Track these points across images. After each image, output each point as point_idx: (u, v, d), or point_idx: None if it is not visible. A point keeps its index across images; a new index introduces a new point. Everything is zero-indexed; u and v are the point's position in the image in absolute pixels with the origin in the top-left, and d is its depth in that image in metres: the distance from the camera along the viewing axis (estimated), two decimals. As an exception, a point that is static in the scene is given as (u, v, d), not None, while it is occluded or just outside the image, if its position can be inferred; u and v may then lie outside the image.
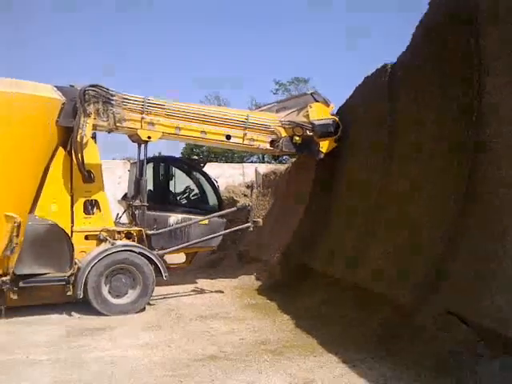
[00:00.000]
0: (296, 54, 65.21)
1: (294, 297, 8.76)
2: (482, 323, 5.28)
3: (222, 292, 9.70)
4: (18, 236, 7.62)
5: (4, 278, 7.52)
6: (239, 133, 9.43)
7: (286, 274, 9.72)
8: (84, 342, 6.50)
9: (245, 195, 14.51)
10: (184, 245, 9.38)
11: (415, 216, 7.03)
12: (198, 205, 10.67)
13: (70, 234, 8.12)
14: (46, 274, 7.79)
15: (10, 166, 7.78)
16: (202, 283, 10.43)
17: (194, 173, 10.97)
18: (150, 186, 10.51)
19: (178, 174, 10.78)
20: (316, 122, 9.61)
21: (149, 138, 8.80)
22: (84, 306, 8.08)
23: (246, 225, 9.48)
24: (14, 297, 7.59)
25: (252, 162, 40.64)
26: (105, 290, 8.11)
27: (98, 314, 7.92)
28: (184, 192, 10.91)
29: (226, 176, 13.17)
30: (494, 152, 5.99)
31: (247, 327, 7.25)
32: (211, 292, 9.76)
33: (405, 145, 7.81)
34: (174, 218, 9.97)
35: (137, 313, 8.11)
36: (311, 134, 9.61)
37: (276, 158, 11.17)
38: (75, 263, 8.01)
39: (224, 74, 69.22)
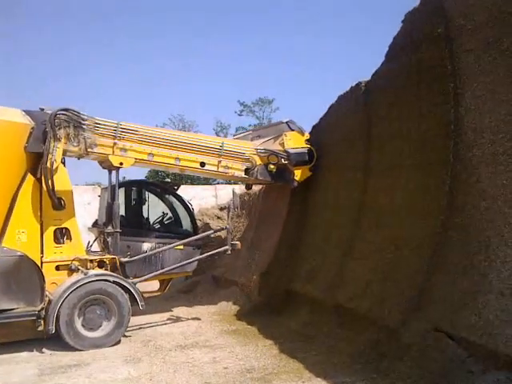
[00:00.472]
0: (260, 74, 66.09)
1: (274, 320, 8.61)
2: (471, 339, 5.22)
3: (200, 319, 9.40)
4: (-16, 269, 7.28)
5: (-30, 315, 7.11)
6: (214, 160, 9.28)
7: (265, 296, 9.53)
8: (59, 381, 6.12)
9: (218, 217, 14.34)
10: (160, 271, 9.11)
11: (397, 233, 7.01)
12: (172, 229, 10.45)
13: (40, 265, 7.75)
14: (15, 309, 7.40)
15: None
16: (178, 310, 10.10)
17: (168, 196, 10.76)
18: (121, 212, 10.24)
19: (151, 197, 10.56)
20: (291, 151, 9.58)
21: (121, 164, 8.53)
22: (55, 342, 7.67)
23: (224, 248, 9.26)
24: (-18, 334, 7.18)
25: (221, 182, 40.64)
26: (78, 323, 7.71)
27: (71, 349, 7.51)
28: (158, 216, 10.67)
29: (199, 198, 12.99)
30: (473, 164, 6.03)
31: (230, 355, 7.00)
32: (188, 319, 9.44)
33: (383, 160, 7.84)
34: (148, 244, 9.73)
35: (112, 346, 7.75)
36: (286, 162, 9.56)
37: (249, 187, 11.07)
38: (46, 296, 7.63)
39: (188, 96, 69.30)
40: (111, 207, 8.90)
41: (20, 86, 56.89)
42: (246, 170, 9.54)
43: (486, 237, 5.57)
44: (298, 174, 9.70)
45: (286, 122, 9.91)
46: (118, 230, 8.70)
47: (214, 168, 9.30)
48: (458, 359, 5.22)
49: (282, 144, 9.64)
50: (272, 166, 9.55)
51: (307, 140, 9.80)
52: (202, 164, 9.17)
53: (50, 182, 7.84)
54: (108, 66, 70.61)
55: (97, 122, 8.29)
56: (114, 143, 8.41)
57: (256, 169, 9.53)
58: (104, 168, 9.37)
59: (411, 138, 7.25)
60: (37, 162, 8.10)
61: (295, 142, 9.71)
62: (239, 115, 44.51)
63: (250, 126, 43.71)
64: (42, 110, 8.15)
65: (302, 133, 9.84)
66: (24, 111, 8.06)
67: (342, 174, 9.01)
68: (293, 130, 9.81)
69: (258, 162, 9.57)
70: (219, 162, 9.29)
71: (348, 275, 7.71)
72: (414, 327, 5.92)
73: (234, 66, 70.57)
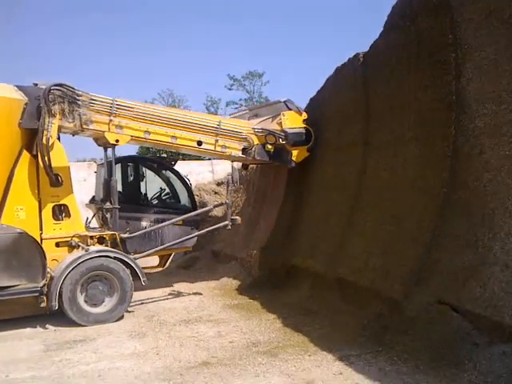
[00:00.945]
0: (250, 48, 65.23)
1: (276, 294, 8.66)
2: (475, 311, 5.28)
3: (201, 294, 9.44)
4: (-16, 247, 7.22)
5: (-29, 293, 7.08)
6: (211, 139, 9.15)
7: (266, 271, 9.58)
8: (66, 356, 6.15)
9: (215, 193, 14.33)
10: (161, 247, 9.09)
11: (398, 206, 7.00)
12: (170, 205, 10.41)
13: (40, 242, 7.71)
14: (16, 285, 7.36)
15: (-29, 173, 7.33)
16: (179, 286, 10.13)
17: (165, 172, 10.67)
18: (119, 188, 10.18)
19: (148, 173, 10.47)
20: (289, 131, 9.47)
21: (117, 141, 8.39)
22: (58, 318, 7.67)
23: (224, 223, 9.24)
24: (-16, 312, 7.17)
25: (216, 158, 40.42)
26: (81, 299, 7.71)
27: (74, 324, 7.53)
28: (155, 192, 10.60)
29: (196, 173, 12.94)
30: (475, 136, 6.01)
31: (234, 329, 7.05)
32: (190, 294, 9.48)
33: (382, 134, 7.79)
34: (147, 220, 9.69)
35: (116, 321, 7.78)
36: (284, 142, 9.46)
37: (246, 167, 10.96)
38: (48, 272, 7.60)
39: (177, 71, 68.36)
40: (108, 183, 8.82)
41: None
42: (244, 150, 9.43)
43: (490, 209, 5.58)
44: (295, 155, 9.62)
45: (284, 102, 9.76)
46: (117, 206, 8.64)
47: (211, 147, 9.18)
48: (463, 332, 5.28)
49: (280, 124, 9.52)
50: (270, 146, 9.46)
51: (305, 120, 9.67)
52: (199, 143, 9.06)
53: (46, 158, 7.74)
54: (91, 37, 69.18)
55: (92, 97, 8.13)
56: (110, 120, 8.26)
57: (253, 148, 9.42)
58: (99, 145, 9.26)
59: (411, 110, 7.17)
60: (32, 139, 7.98)
61: (293, 122, 9.59)
62: (229, 89, 44.04)
63: (240, 100, 43.48)
64: (36, 85, 7.98)
65: (299, 112, 9.70)
66: (17, 86, 7.89)
67: (340, 148, 8.95)
68: (290, 110, 9.68)
69: (256, 141, 9.45)
70: (216, 141, 9.17)
71: (349, 249, 7.74)
72: (417, 300, 5.98)
73: (224, 37, 69.43)
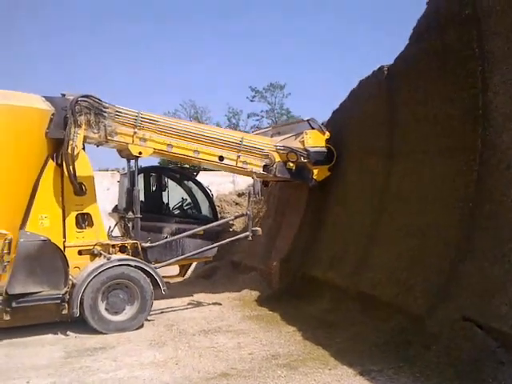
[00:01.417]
0: (271, 60, 65.54)
1: (296, 306, 8.59)
2: (502, 329, 5.15)
3: (221, 304, 9.42)
4: (9, 253, 7.39)
5: (-4, 298, 7.18)
6: (233, 155, 9.19)
7: (286, 282, 9.53)
8: (86, 363, 6.20)
9: (236, 204, 14.33)
10: (182, 256, 9.13)
11: (423, 219, 6.91)
12: (192, 215, 10.45)
13: (63, 250, 7.80)
14: (39, 292, 7.46)
15: (-1, 180, 7.47)
16: (199, 295, 10.14)
17: (187, 182, 10.73)
18: (141, 197, 10.26)
19: (171, 184, 10.53)
20: (311, 149, 9.48)
21: (140, 153, 8.49)
22: (79, 324, 7.75)
23: (245, 234, 9.23)
24: (7, 317, 7.23)
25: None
26: (102, 306, 7.79)
27: (95, 332, 7.60)
28: (177, 202, 10.66)
29: (217, 184, 12.99)
30: (502, 150, 5.91)
31: (254, 341, 7.01)
32: (209, 304, 9.48)
33: (407, 145, 7.72)
34: (169, 229, 9.73)
35: (136, 329, 7.81)
36: (305, 160, 9.46)
37: (266, 184, 10.95)
38: (70, 280, 7.69)
39: (199, 81, 68.99)
40: (131, 193, 8.90)
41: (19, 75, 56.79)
42: (265, 167, 9.44)
43: (518, 224, 5.47)
44: (316, 173, 9.63)
45: (307, 120, 9.78)
46: (139, 215, 8.70)
47: (233, 163, 9.22)
48: (488, 349, 5.15)
49: (302, 142, 9.53)
50: (291, 164, 9.46)
51: (327, 139, 9.66)
52: (221, 158, 9.09)
53: (71, 167, 7.87)
54: (117, 53, 70.24)
55: (118, 110, 8.26)
56: (134, 132, 8.37)
57: (275, 166, 9.43)
58: (122, 157, 9.39)
59: (437, 122, 7.11)
60: (58, 148, 8.13)
61: (315, 141, 9.59)
62: (251, 101, 44.28)
63: (261, 111, 43.64)
64: (63, 95, 8.13)
65: (322, 132, 9.68)
66: (44, 97, 8.05)
67: (364, 160, 8.89)
68: (313, 129, 9.68)
69: (277, 158, 9.46)
70: (238, 157, 9.21)
71: (372, 262, 7.65)
72: (441, 315, 5.86)
73: (246, 49, 69.92)
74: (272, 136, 10.33)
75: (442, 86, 7.02)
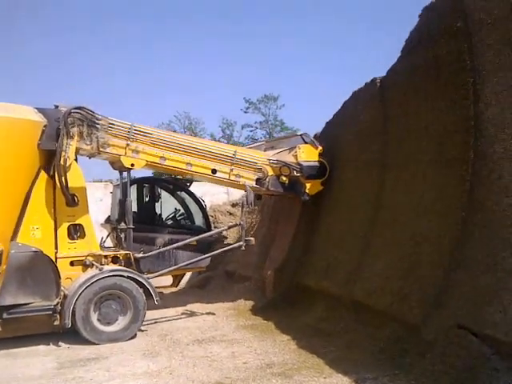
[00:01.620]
0: (265, 72, 65.97)
1: (290, 315, 8.59)
2: (496, 336, 5.17)
3: (215, 314, 9.41)
4: (0, 265, 7.29)
5: (-13, 310, 7.12)
6: (226, 168, 9.22)
7: (281, 292, 9.53)
8: (79, 374, 6.15)
9: (230, 214, 14.34)
10: (174, 267, 9.10)
11: (416, 229, 6.94)
12: (185, 225, 10.45)
13: (54, 261, 7.75)
14: (31, 303, 7.41)
15: (-9, 191, 7.43)
16: (193, 305, 10.11)
17: (180, 193, 10.74)
18: (134, 208, 10.24)
19: (164, 194, 10.53)
20: (304, 163, 9.54)
21: (132, 165, 8.50)
22: (71, 335, 7.69)
23: (238, 244, 9.24)
24: (-2, 328, 7.18)
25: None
26: (94, 317, 7.75)
27: (87, 342, 7.55)
28: (170, 213, 10.65)
29: (211, 194, 13.01)
30: (494, 161, 5.97)
31: (248, 350, 7.00)
32: (203, 314, 9.47)
33: (399, 156, 7.77)
34: (161, 240, 9.72)
35: (129, 340, 7.77)
36: (298, 174, 9.51)
37: (259, 198, 10.90)
38: (62, 291, 7.64)
39: (193, 93, 69.16)
40: (123, 204, 8.89)
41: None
42: (258, 180, 9.46)
43: (510, 233, 5.51)
44: (309, 187, 9.66)
45: (301, 135, 9.88)
46: (131, 226, 8.69)
47: (226, 176, 9.23)
48: (483, 356, 5.15)
49: (295, 156, 9.60)
50: (284, 178, 9.51)
51: (320, 154, 9.73)
52: (214, 171, 9.12)
53: (63, 178, 7.85)
54: (110, 65, 70.31)
55: (110, 122, 8.27)
56: (127, 144, 8.39)
57: (268, 179, 9.46)
58: (115, 169, 9.38)
59: (429, 133, 7.17)
60: (50, 160, 8.12)
61: (308, 155, 9.66)
62: (245, 112, 44.47)
63: (255, 122, 43.84)
64: (57, 107, 8.14)
65: (315, 146, 9.75)
66: (37, 109, 8.05)
67: (357, 170, 8.94)
68: (306, 143, 9.76)
69: (270, 172, 9.50)
70: (231, 170, 9.23)
71: (365, 271, 7.67)
72: (435, 324, 5.88)
73: (238, 62, 70.31)
74: (265, 150, 10.40)
75: (434, 97, 7.09)
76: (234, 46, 70.58)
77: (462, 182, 6.39)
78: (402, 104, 7.81)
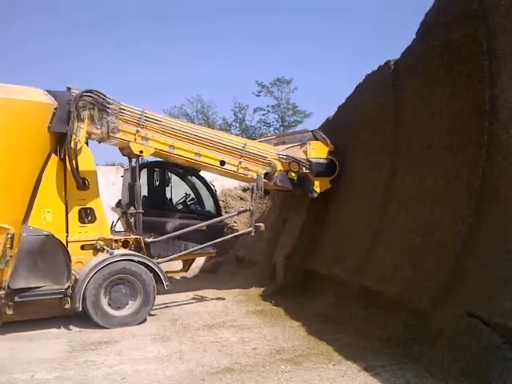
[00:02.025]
0: (278, 54, 65.30)
1: (300, 301, 8.58)
2: (506, 324, 5.11)
3: (225, 299, 9.44)
4: (11, 248, 7.37)
5: (-2, 293, 7.18)
6: (234, 160, 9.16)
7: (291, 277, 9.53)
8: (90, 358, 6.21)
9: (241, 198, 14.31)
10: (184, 252, 9.09)
11: (427, 215, 6.87)
12: (195, 210, 10.43)
13: (65, 244, 7.79)
14: (42, 287, 7.46)
15: (2, 174, 7.46)
16: (203, 290, 10.14)
17: (190, 177, 10.69)
18: (144, 192, 10.24)
19: (174, 179, 10.49)
20: (313, 160, 9.46)
21: (141, 152, 8.48)
22: (82, 319, 7.76)
23: (248, 229, 9.21)
24: (10, 312, 7.26)
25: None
26: (104, 301, 7.79)
27: (99, 326, 7.61)
28: (180, 197, 10.63)
29: (222, 179, 12.92)
30: (508, 146, 5.87)
31: (258, 335, 7.00)
32: (213, 299, 9.50)
33: (412, 142, 7.66)
34: (172, 225, 9.71)
35: (140, 324, 7.82)
36: (307, 171, 9.43)
37: (267, 193, 10.77)
38: (72, 275, 7.68)
39: (205, 75, 68.78)
40: (132, 188, 8.89)
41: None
42: (266, 175, 9.38)
43: (524, 221, 5.44)
44: (317, 185, 9.57)
45: (312, 131, 9.78)
46: (140, 210, 8.69)
47: (234, 168, 9.19)
48: (493, 345, 5.10)
49: (305, 152, 9.52)
50: (293, 174, 9.45)
51: (331, 152, 9.63)
52: (222, 163, 9.07)
53: (73, 162, 7.87)
54: (123, 47, 70.07)
55: (122, 107, 8.24)
56: (137, 131, 8.37)
57: (276, 174, 9.39)
58: (124, 155, 9.39)
59: (443, 118, 7.06)
60: (61, 143, 8.13)
61: (318, 152, 9.57)
62: (257, 96, 43.98)
63: (267, 106, 43.46)
64: (69, 89, 8.10)
65: (326, 143, 9.64)
66: (47, 91, 8.02)
67: (369, 156, 8.86)
68: (317, 140, 9.65)
69: (279, 167, 9.43)
70: (240, 162, 9.17)
71: (376, 259, 7.62)
72: (445, 312, 5.82)
73: (251, 45, 69.69)
74: (276, 145, 10.26)
75: (449, 81, 6.96)
76: (246, 28, 69.67)
77: (474, 169, 6.31)
78: (415, 88, 7.69)
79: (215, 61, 66.85)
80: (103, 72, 63.14)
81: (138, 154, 8.48)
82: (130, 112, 8.32)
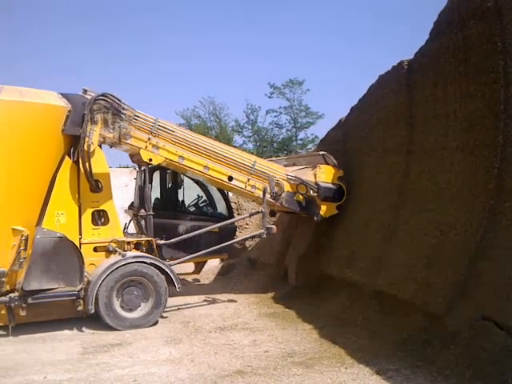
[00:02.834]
0: (291, 55, 65.34)
1: (312, 304, 8.53)
2: (522, 328, 5.03)
3: (237, 301, 9.43)
4: (25, 250, 7.40)
5: (12, 295, 7.24)
6: (243, 177, 9.07)
7: (303, 280, 9.48)
8: (102, 360, 6.22)
9: (253, 200, 14.24)
10: (196, 254, 9.05)
11: (442, 216, 6.77)
12: (207, 212, 10.44)
13: (78, 246, 7.83)
14: (55, 288, 7.50)
15: (16, 177, 7.52)
16: (215, 292, 10.13)
17: (203, 179, 10.69)
18: (157, 194, 10.28)
19: (186, 181, 10.50)
20: (322, 184, 9.33)
21: (150, 160, 8.46)
22: (94, 321, 7.79)
23: (259, 231, 9.18)
24: (23, 313, 7.29)
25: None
26: (116, 303, 7.81)
27: (111, 328, 7.63)
28: (193, 199, 10.64)
29: (233, 181, 12.93)
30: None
31: (269, 338, 6.98)
32: (225, 301, 9.50)
33: (426, 142, 7.55)
34: (184, 227, 9.72)
35: (152, 326, 7.83)
36: (315, 194, 9.31)
37: (273, 214, 10.57)
38: (85, 276, 7.71)
39: (218, 78, 69.00)
40: (143, 190, 8.91)
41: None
42: (275, 194, 9.26)
43: (540, 222, 5.34)
44: (323, 209, 9.43)
45: (323, 155, 9.61)
46: (151, 212, 8.70)
47: (242, 185, 9.08)
48: (509, 349, 5.02)
49: (314, 175, 9.39)
50: (300, 196, 9.31)
51: (340, 177, 9.50)
52: (230, 178, 8.98)
53: (87, 164, 7.90)
54: (137, 50, 70.54)
55: (136, 114, 8.27)
56: (149, 138, 8.37)
57: (283, 195, 9.23)
58: (133, 162, 9.42)
59: (457, 118, 6.96)
60: (74, 145, 8.17)
61: (327, 177, 9.43)
62: (269, 97, 44.07)
63: (279, 108, 43.48)
64: (85, 91, 8.16)
65: (336, 168, 9.52)
66: (61, 94, 8.07)
67: (382, 156, 8.75)
68: (328, 164, 9.54)
69: (287, 188, 9.29)
70: (248, 180, 9.08)
71: (389, 260, 7.54)
72: (460, 314, 5.74)
73: (263, 46, 69.76)
74: (286, 166, 10.12)
75: (463, 81, 6.86)
76: (259, 31, 69.88)
77: (489, 169, 6.21)
78: (430, 88, 7.57)
79: (228, 63, 67.20)
80: (114, 72, 63.83)
81: (148, 161, 8.48)
82: (144, 119, 8.34)
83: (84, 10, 67.36)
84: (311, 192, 9.31)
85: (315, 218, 9.48)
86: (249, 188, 9.12)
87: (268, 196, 9.12)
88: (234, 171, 9.01)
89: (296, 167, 9.85)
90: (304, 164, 9.90)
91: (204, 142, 8.92)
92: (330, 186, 9.42)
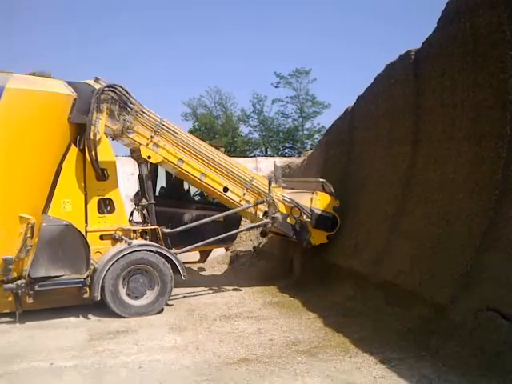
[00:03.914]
0: (297, 44, 64.96)
1: (317, 293, 8.55)
2: (527, 319, 5.03)
3: (241, 290, 9.47)
4: (32, 237, 7.45)
5: (19, 282, 7.28)
6: (239, 190, 9.05)
7: (308, 269, 9.49)
8: (108, 346, 6.26)
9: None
10: (202, 243, 9.08)
11: (447, 207, 6.77)
12: (212, 201, 10.44)
13: (84, 234, 7.87)
14: (61, 276, 7.55)
15: (22, 165, 7.56)
16: (220, 281, 10.20)
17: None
18: (162, 183, 10.30)
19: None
20: (316, 211, 9.27)
21: (148, 157, 8.49)
22: (100, 308, 7.85)
23: (265, 221, 9.17)
24: (30, 300, 7.35)
25: (260, 155, 40.50)
26: (122, 291, 7.87)
27: (117, 315, 7.70)
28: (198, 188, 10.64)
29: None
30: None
31: (274, 327, 7.01)
32: (230, 290, 9.54)
33: (433, 132, 7.52)
34: (189, 215, 9.75)
35: (157, 314, 7.89)
36: (307, 220, 9.25)
37: (264, 235, 10.39)
38: (91, 264, 7.76)
39: (224, 67, 68.72)
40: (144, 179, 8.92)
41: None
42: (266, 213, 9.21)
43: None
44: (315, 237, 9.36)
45: (321, 182, 9.55)
46: (152, 201, 8.72)
47: (237, 198, 9.07)
48: (513, 340, 5.04)
49: (310, 201, 9.34)
50: (293, 220, 9.26)
51: (335, 207, 9.41)
52: (226, 189, 8.97)
53: (93, 153, 7.93)
54: (142, 39, 70.28)
55: (143, 110, 8.30)
56: (151, 136, 8.39)
57: (276, 215, 9.12)
58: (133, 158, 9.42)
59: (464, 108, 6.92)
60: (80, 134, 8.19)
61: (323, 204, 9.36)
62: (276, 87, 43.84)
63: (286, 97, 43.27)
64: (97, 79, 8.18)
65: (333, 197, 9.43)
66: (67, 82, 8.08)
67: (387, 147, 8.73)
68: (325, 192, 9.47)
69: (281, 209, 9.23)
70: (244, 194, 9.07)
71: (394, 250, 7.54)
72: (465, 305, 5.74)
73: (269, 36, 69.37)
74: (284, 188, 9.85)
75: (471, 71, 6.81)
76: (265, 19, 69.36)
77: (496, 160, 6.18)
78: (437, 77, 7.52)
79: (234, 52, 66.88)
80: (121, 62, 63.68)
81: (146, 158, 8.49)
82: (149, 117, 8.36)
83: (84, 10, 66.91)
84: (304, 217, 9.26)
85: (304, 244, 9.43)
86: (243, 202, 9.12)
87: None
88: (231, 183, 9.00)
89: (293, 190, 9.76)
90: (301, 188, 9.85)
91: (205, 150, 8.91)
92: (324, 214, 9.35)
